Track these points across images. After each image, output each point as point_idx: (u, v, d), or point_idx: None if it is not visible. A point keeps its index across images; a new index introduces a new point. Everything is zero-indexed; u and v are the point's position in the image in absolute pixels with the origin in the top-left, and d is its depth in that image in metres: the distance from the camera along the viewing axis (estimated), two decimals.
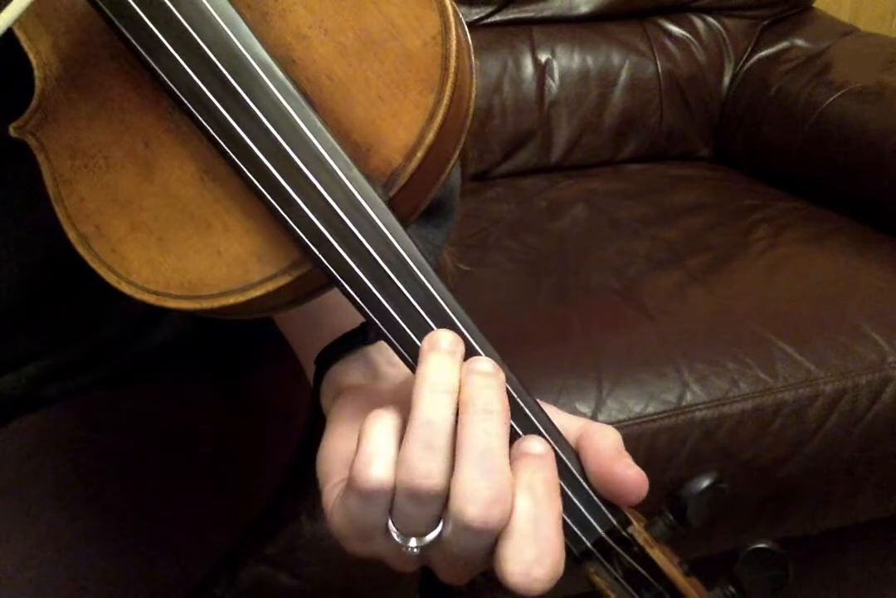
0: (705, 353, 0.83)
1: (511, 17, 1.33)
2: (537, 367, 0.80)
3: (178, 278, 0.34)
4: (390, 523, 0.33)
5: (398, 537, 0.33)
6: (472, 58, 0.34)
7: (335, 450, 0.37)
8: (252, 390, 0.60)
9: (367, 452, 0.32)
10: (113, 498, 0.50)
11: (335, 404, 0.40)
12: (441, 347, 0.33)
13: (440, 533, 0.33)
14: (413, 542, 0.33)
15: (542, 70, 1.32)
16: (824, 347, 0.84)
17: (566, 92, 1.33)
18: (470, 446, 0.32)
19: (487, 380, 0.33)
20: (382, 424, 0.33)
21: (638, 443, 0.77)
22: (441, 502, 0.32)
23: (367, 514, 0.33)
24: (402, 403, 0.37)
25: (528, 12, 1.33)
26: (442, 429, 0.32)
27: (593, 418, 0.77)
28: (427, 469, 0.31)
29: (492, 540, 0.32)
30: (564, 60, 1.33)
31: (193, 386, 0.57)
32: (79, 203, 0.35)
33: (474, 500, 0.31)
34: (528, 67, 1.32)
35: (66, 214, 0.35)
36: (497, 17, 1.32)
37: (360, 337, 0.42)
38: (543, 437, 0.34)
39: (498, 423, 0.32)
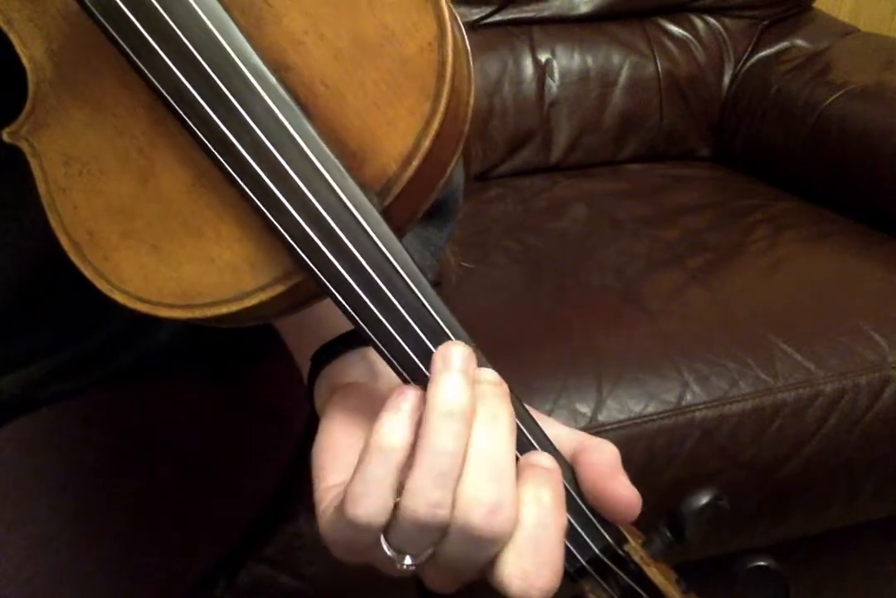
0: (705, 353, 0.83)
1: (511, 17, 1.33)
2: (537, 367, 0.80)
3: (171, 287, 0.33)
4: (384, 542, 0.32)
5: (392, 554, 0.32)
6: (470, 62, 0.34)
7: (329, 445, 0.36)
8: (252, 390, 0.60)
9: (361, 486, 0.31)
10: (112, 498, 0.50)
11: (331, 400, 0.39)
12: (455, 366, 0.31)
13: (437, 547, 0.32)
14: (408, 560, 0.32)
15: (542, 70, 1.32)
16: (824, 347, 0.84)
17: (566, 92, 1.33)
18: (476, 454, 0.31)
19: (494, 389, 0.32)
20: (383, 454, 0.31)
21: (637, 443, 0.77)
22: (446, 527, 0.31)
23: (359, 538, 0.32)
24: None
25: (528, 12, 1.33)
26: (457, 458, 0.31)
27: (593, 418, 0.77)
28: (439, 499, 0.30)
29: (492, 552, 0.32)
30: (564, 60, 1.33)
31: (193, 386, 0.57)
32: (72, 210, 0.34)
33: (479, 506, 0.30)
34: (528, 67, 1.32)
35: (59, 221, 0.34)
36: (497, 17, 1.32)
37: (358, 337, 0.42)
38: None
39: (505, 431, 0.31)
